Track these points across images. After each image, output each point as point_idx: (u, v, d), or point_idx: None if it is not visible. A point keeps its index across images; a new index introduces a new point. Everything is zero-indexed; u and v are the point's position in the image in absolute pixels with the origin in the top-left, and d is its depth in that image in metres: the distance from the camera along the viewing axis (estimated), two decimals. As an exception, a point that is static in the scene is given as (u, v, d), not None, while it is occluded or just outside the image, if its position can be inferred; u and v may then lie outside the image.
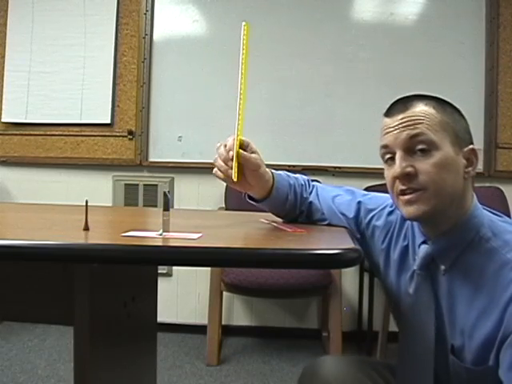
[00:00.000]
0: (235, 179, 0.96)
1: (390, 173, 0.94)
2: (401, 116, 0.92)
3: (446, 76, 2.80)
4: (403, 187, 0.92)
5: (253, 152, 1.00)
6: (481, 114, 2.78)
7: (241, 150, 0.97)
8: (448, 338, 0.93)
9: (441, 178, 0.89)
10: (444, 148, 0.90)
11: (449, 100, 0.97)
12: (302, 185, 1.15)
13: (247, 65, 0.97)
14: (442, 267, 0.95)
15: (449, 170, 0.90)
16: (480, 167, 2.73)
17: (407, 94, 0.97)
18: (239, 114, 0.97)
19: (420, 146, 0.90)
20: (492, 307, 0.86)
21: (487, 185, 2.73)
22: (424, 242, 0.98)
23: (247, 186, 1.04)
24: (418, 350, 0.97)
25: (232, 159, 0.96)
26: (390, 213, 1.07)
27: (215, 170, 1.00)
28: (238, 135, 0.97)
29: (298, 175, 1.17)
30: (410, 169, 0.90)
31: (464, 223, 0.93)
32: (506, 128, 2.82)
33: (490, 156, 2.79)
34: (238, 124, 0.97)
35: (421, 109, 0.92)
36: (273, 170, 1.09)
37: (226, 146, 0.99)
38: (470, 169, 0.93)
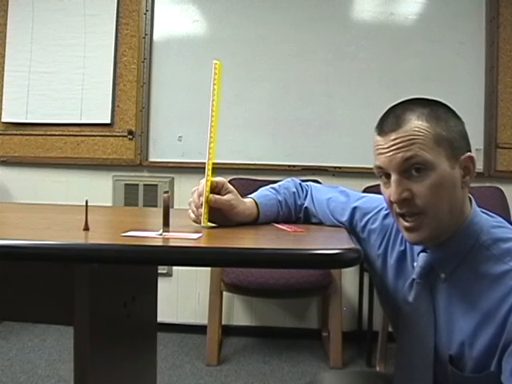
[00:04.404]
0: (203, 224, 0.97)
1: (386, 192, 0.93)
2: (393, 136, 0.89)
3: (446, 76, 2.80)
4: (400, 211, 0.91)
5: (228, 192, 1.01)
6: (481, 114, 2.78)
7: (212, 195, 0.98)
8: (446, 348, 0.92)
9: (438, 199, 0.88)
10: (440, 166, 0.88)
11: (442, 101, 0.94)
12: (293, 193, 1.14)
13: (219, 105, 0.96)
14: (442, 275, 0.94)
15: (446, 187, 0.89)
16: (480, 167, 2.73)
17: (399, 102, 0.94)
18: (210, 154, 0.97)
19: (415, 167, 0.88)
20: (493, 315, 0.85)
21: (487, 185, 2.73)
22: (423, 251, 0.96)
23: (229, 222, 1.02)
24: (417, 359, 0.96)
25: (202, 205, 0.97)
26: (386, 216, 1.06)
27: (189, 212, 1.01)
28: (208, 180, 0.97)
29: (288, 182, 1.16)
30: (406, 194, 0.89)
31: (464, 231, 0.92)
32: (506, 128, 2.82)
33: (490, 156, 2.79)
34: (209, 169, 0.97)
35: (413, 125, 0.88)
36: (255, 196, 1.08)
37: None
38: (467, 178, 0.91)
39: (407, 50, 2.84)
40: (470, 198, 0.95)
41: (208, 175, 0.98)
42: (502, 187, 2.69)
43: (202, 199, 0.97)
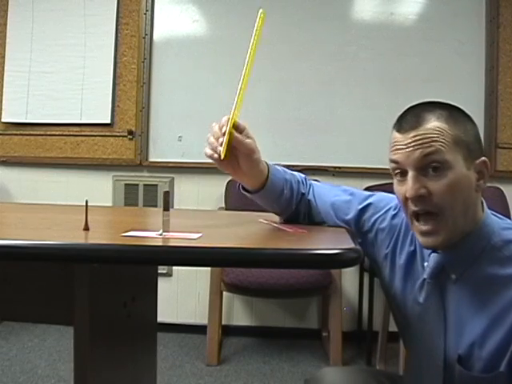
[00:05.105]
0: (223, 156, 0.94)
1: (401, 190, 0.92)
2: (413, 133, 0.89)
3: (446, 76, 2.80)
4: (416, 208, 0.91)
5: (248, 137, 0.99)
6: (481, 114, 2.77)
7: (234, 131, 0.95)
8: (454, 348, 0.92)
9: (454, 199, 0.88)
10: (457, 166, 0.88)
11: (459, 106, 0.95)
12: (298, 181, 1.12)
13: (255, 50, 0.95)
14: (453, 276, 0.94)
15: (461, 188, 0.89)
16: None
17: (417, 103, 0.95)
18: (239, 95, 0.95)
19: (433, 165, 0.88)
20: (505, 316, 0.86)
21: (487, 185, 2.72)
22: (434, 251, 0.96)
23: (239, 173, 1.01)
24: (427, 359, 0.96)
25: (224, 135, 0.94)
26: (394, 216, 1.05)
27: (205, 148, 0.98)
28: (233, 116, 0.95)
29: (295, 172, 1.14)
30: (423, 191, 0.89)
31: (476, 233, 0.92)
32: (506, 128, 2.82)
33: (490, 156, 2.79)
34: (236, 106, 0.95)
35: (433, 125, 0.89)
36: (269, 162, 1.07)
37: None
38: (481, 181, 0.92)
39: (407, 49, 2.83)
40: (482, 202, 0.95)
41: (235, 109, 0.95)
42: (502, 187, 2.69)
43: (224, 130, 0.94)
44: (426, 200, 0.89)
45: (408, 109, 0.95)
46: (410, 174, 0.90)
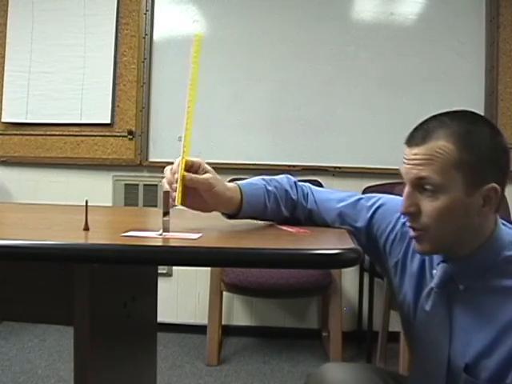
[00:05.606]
0: (178, 203, 0.92)
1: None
2: (415, 150, 0.89)
3: (446, 76, 2.80)
4: (407, 222, 0.94)
5: (206, 172, 0.96)
6: (481, 114, 2.77)
7: (187, 173, 0.94)
8: (460, 358, 0.92)
9: (443, 222, 0.88)
10: (453, 190, 0.87)
11: (491, 120, 0.93)
12: (286, 190, 1.07)
13: (196, 77, 0.92)
14: (461, 287, 0.93)
15: (454, 213, 0.88)
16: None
17: (442, 112, 0.92)
18: (186, 135, 0.95)
19: (427, 187, 0.88)
20: None
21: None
22: (443, 261, 0.96)
23: (209, 207, 0.99)
24: (430, 367, 0.96)
25: (177, 181, 0.93)
26: (405, 223, 1.02)
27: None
28: (183, 157, 0.94)
29: (282, 177, 1.10)
30: (412, 209, 0.90)
31: (486, 247, 0.91)
32: (506, 128, 2.82)
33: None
34: (184, 146, 0.95)
35: (438, 144, 0.86)
36: (240, 182, 1.03)
37: (172, 169, 0.96)
38: (486, 208, 0.88)
39: (407, 49, 2.83)
40: (494, 218, 0.93)
41: (184, 152, 0.95)
42: (502, 187, 2.69)
43: (177, 176, 0.93)
44: (416, 217, 0.91)
45: (427, 119, 0.92)
46: (406, 189, 0.91)
